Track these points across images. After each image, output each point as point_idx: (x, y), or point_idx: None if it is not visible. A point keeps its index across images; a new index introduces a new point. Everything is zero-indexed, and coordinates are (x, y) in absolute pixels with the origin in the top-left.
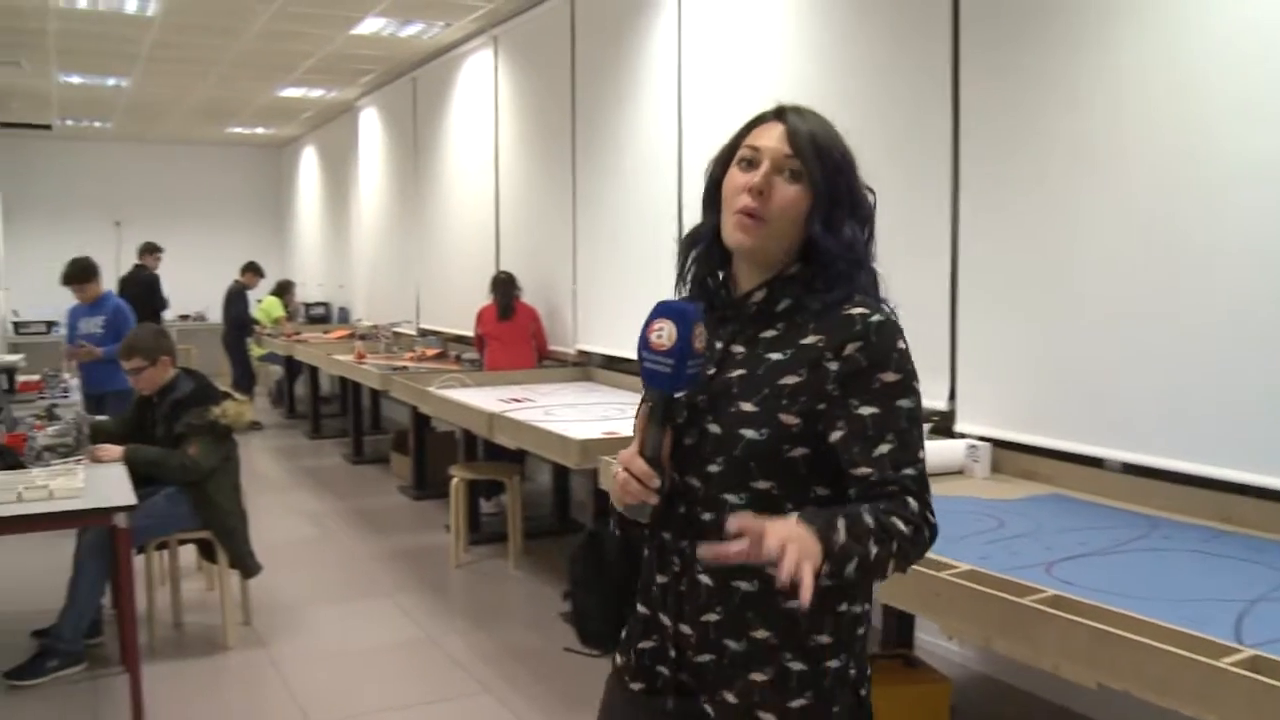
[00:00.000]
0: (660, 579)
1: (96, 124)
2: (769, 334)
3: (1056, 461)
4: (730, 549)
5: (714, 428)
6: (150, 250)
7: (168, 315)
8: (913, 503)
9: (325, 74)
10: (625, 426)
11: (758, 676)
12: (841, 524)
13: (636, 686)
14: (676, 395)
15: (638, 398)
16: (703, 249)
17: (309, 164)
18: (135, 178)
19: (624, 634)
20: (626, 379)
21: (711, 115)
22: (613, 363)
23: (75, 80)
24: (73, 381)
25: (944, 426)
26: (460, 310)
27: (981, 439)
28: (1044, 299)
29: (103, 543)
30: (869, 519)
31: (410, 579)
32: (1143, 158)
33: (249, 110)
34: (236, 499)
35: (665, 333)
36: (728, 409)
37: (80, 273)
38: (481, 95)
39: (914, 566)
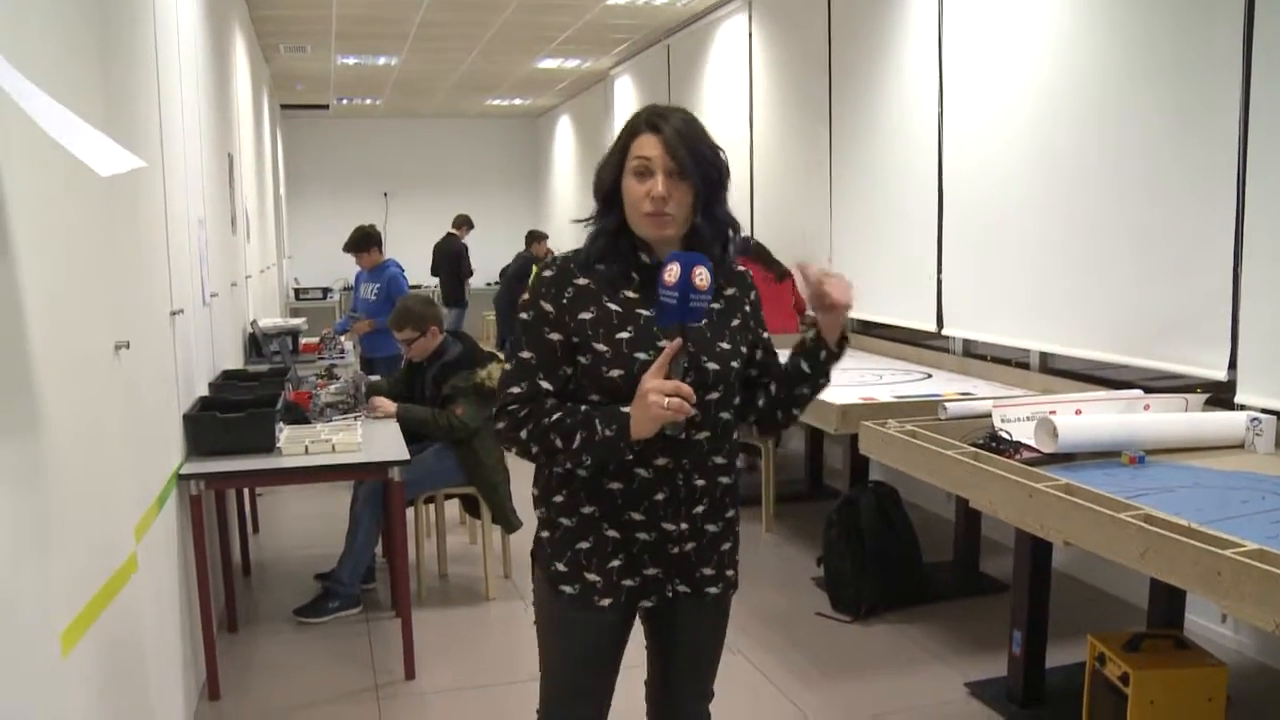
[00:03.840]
0: (659, 496)
1: (368, 101)
2: None
3: None
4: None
5: (712, 365)
6: (463, 223)
7: (473, 282)
8: None
9: (581, 44)
10: (881, 392)
11: (725, 546)
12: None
13: (605, 602)
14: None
15: (895, 363)
16: (613, 237)
17: (564, 133)
18: (402, 151)
19: (565, 566)
20: (881, 344)
21: (974, 76)
22: (868, 328)
23: (351, 61)
24: (348, 344)
25: (1222, 398)
26: None
27: (1265, 411)
28: None
29: (377, 495)
30: None
31: None
32: None
33: (507, 83)
34: (500, 457)
35: (704, 276)
36: (714, 349)
37: (360, 239)
38: (736, 60)
39: (1192, 543)
